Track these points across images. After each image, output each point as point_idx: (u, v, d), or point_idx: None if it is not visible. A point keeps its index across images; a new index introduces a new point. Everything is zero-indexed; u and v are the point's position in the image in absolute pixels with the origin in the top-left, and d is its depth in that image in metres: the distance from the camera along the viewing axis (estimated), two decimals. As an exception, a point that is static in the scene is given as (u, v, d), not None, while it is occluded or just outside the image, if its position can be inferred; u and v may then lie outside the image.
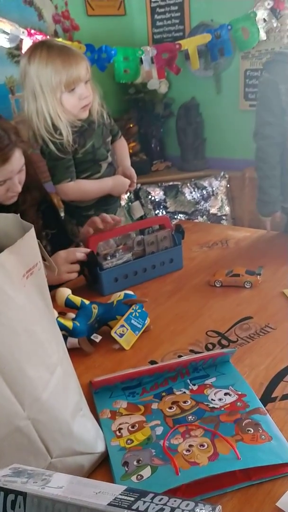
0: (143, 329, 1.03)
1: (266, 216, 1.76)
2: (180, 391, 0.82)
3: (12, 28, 1.99)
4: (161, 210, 2.99)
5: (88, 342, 0.99)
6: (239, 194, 2.99)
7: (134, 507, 0.43)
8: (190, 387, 0.83)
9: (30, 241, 0.60)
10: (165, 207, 2.99)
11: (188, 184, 3.00)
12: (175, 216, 2.96)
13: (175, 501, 0.44)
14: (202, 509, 0.43)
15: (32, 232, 0.60)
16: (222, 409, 0.76)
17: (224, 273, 1.24)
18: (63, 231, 1.58)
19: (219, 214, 3.03)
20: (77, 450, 0.66)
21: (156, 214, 2.97)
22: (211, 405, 0.77)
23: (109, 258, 1.24)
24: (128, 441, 0.73)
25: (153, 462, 0.67)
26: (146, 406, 0.80)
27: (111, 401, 0.82)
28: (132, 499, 0.45)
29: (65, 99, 1.46)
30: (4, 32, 1.98)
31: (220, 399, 0.79)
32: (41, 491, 0.46)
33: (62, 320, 0.98)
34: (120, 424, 0.76)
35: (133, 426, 0.75)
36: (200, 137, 3.11)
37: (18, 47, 2.09)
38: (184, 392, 0.82)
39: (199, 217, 3.01)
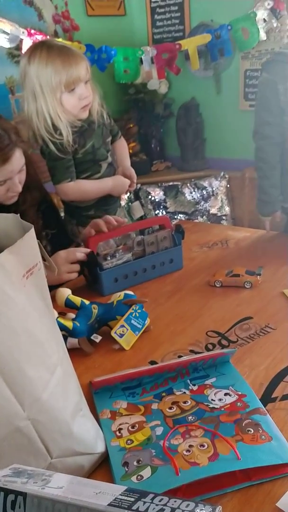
0: (143, 329, 1.03)
1: (266, 216, 1.76)
2: (180, 391, 0.82)
3: (12, 28, 1.99)
4: (161, 210, 2.99)
5: (88, 342, 0.99)
6: (239, 194, 2.99)
7: (134, 507, 0.43)
8: (190, 388, 0.83)
9: (30, 241, 0.60)
10: (165, 207, 2.99)
11: (188, 184, 3.00)
12: (175, 216, 2.96)
13: (175, 501, 0.44)
14: (202, 509, 0.43)
15: (32, 232, 0.60)
16: (222, 409, 0.76)
17: (224, 273, 1.24)
18: (63, 231, 1.58)
19: (219, 214, 3.03)
20: (77, 451, 0.66)
21: (156, 214, 2.97)
22: (211, 406, 0.77)
23: (109, 258, 1.24)
24: (128, 441, 0.73)
25: (153, 462, 0.67)
26: (146, 407, 0.80)
27: (111, 401, 0.82)
28: (132, 499, 0.45)
29: (65, 99, 1.46)
30: (4, 32, 1.99)
31: (220, 400, 0.78)
32: (41, 491, 0.46)
33: (62, 320, 0.98)
34: (120, 425, 0.76)
35: (133, 427, 0.75)
36: (200, 137, 3.11)
37: (18, 47, 2.09)
38: (184, 393, 0.82)
39: (199, 217, 3.01)
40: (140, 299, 1.08)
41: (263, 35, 2.46)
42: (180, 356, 0.95)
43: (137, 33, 3.11)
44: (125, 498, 0.45)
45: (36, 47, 1.46)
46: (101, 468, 0.70)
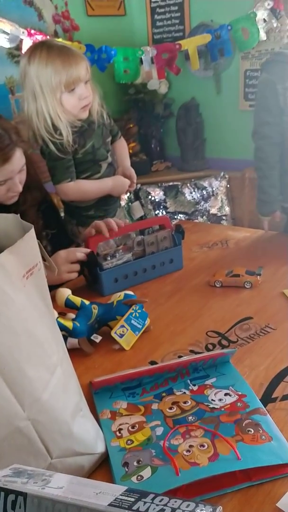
0: (143, 329, 1.03)
1: (265, 215, 1.76)
2: (180, 391, 0.82)
3: (12, 28, 1.99)
4: (161, 210, 2.99)
5: (88, 343, 0.99)
6: (239, 195, 2.99)
7: (134, 507, 0.43)
8: (190, 388, 0.83)
9: (30, 241, 0.60)
10: (165, 207, 2.99)
11: (188, 184, 3.00)
12: (175, 216, 2.96)
13: (175, 501, 0.44)
14: (203, 509, 0.43)
15: (32, 233, 0.60)
16: (222, 409, 0.76)
17: (224, 274, 1.24)
18: (63, 231, 1.58)
19: (219, 214, 3.03)
20: (77, 451, 0.66)
21: (156, 214, 2.97)
22: (211, 406, 0.77)
23: (109, 258, 1.24)
24: (128, 441, 0.73)
25: (153, 462, 0.67)
26: (146, 407, 0.80)
27: (111, 402, 0.82)
28: (133, 499, 0.45)
29: (65, 99, 1.46)
30: (4, 32, 1.99)
31: (220, 400, 0.78)
32: (41, 491, 0.46)
33: (62, 321, 0.97)
34: (120, 425, 0.76)
35: (133, 427, 0.75)
36: (200, 137, 3.11)
37: (18, 47, 2.09)
38: (184, 393, 0.82)
39: (199, 217, 3.01)
40: (140, 299, 1.08)
41: (263, 35, 2.46)
42: (180, 356, 0.95)
43: (137, 33, 3.12)
44: (126, 498, 0.45)
45: (36, 47, 1.46)
46: (101, 468, 0.70)
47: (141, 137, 3.21)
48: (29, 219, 0.64)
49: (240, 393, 0.80)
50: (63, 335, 0.79)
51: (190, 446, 0.69)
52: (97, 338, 1.01)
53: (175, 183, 3.01)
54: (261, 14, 2.39)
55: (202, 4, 2.85)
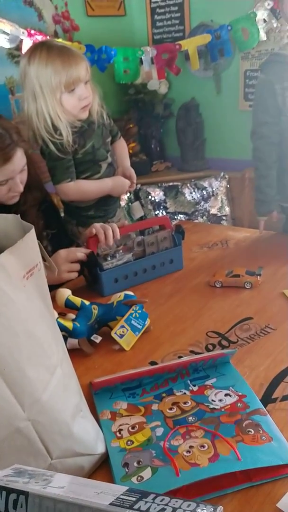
0: (143, 330, 1.03)
1: (262, 215, 1.76)
2: (180, 392, 0.82)
3: (12, 28, 1.99)
4: (161, 211, 2.99)
5: (88, 343, 0.99)
6: (239, 195, 2.99)
7: (135, 507, 0.43)
8: (190, 388, 0.83)
9: (30, 242, 0.60)
10: (165, 208, 2.99)
11: (188, 185, 3.00)
12: (175, 217, 2.96)
13: (176, 501, 0.44)
14: (203, 509, 0.43)
15: (32, 233, 0.60)
16: (223, 410, 0.76)
17: (224, 274, 1.24)
18: (63, 231, 1.58)
19: (219, 214, 3.03)
20: (77, 451, 0.66)
21: (156, 215, 2.96)
22: (211, 406, 0.77)
23: (109, 258, 1.24)
24: (128, 442, 0.73)
25: (153, 463, 0.67)
26: (146, 407, 0.80)
27: (111, 402, 0.82)
28: (134, 499, 0.45)
29: (65, 99, 1.46)
30: (4, 32, 1.99)
31: (220, 400, 0.78)
32: (43, 491, 0.46)
33: (62, 321, 0.97)
34: (120, 425, 0.76)
35: (133, 427, 0.75)
36: (200, 137, 3.11)
37: (18, 48, 2.09)
38: (185, 393, 0.82)
39: (199, 217, 3.01)
40: (140, 299, 1.08)
41: (263, 36, 2.46)
42: (180, 357, 0.95)
43: (137, 33, 3.11)
44: (127, 497, 0.45)
45: (36, 48, 1.46)
46: (101, 469, 0.70)
47: (141, 137, 3.21)
48: (29, 219, 0.64)
49: (240, 393, 0.80)
50: (63, 336, 0.79)
51: (190, 446, 0.69)
52: (97, 339, 1.01)
53: (175, 183, 3.01)
54: (261, 14, 2.39)
55: (202, 4, 2.85)
